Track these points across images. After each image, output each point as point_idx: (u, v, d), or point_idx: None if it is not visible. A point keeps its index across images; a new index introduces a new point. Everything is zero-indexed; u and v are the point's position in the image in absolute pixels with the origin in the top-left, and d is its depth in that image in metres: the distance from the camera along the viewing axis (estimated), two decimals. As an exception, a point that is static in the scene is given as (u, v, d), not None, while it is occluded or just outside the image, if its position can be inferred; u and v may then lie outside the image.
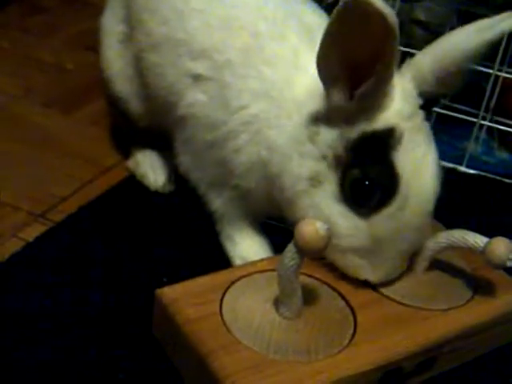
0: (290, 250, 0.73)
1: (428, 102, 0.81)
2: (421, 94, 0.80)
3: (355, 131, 0.78)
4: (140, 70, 1.01)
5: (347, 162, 0.78)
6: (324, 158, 0.79)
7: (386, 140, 0.77)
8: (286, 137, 0.83)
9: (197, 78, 0.90)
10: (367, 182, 0.77)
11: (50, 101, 1.38)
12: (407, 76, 0.80)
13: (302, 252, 0.72)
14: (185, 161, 0.97)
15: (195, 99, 0.90)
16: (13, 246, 0.97)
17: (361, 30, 0.70)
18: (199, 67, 0.89)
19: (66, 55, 1.58)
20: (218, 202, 0.95)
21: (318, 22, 0.90)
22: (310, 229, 0.70)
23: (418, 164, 0.78)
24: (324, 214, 0.79)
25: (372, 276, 0.82)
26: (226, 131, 0.88)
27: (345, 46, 0.73)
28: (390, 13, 0.68)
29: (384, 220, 0.78)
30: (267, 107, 0.84)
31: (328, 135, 0.79)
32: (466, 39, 0.78)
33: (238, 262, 0.94)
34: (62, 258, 0.95)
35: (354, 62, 0.74)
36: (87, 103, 1.38)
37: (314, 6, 0.95)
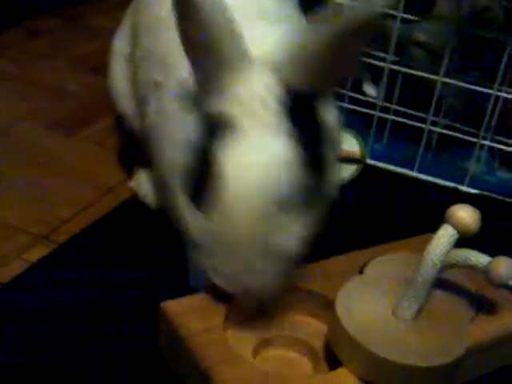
0: (444, 235, 0.75)
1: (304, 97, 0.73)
2: (290, 89, 0.72)
3: (197, 116, 0.75)
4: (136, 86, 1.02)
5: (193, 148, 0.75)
6: (188, 144, 0.75)
7: (216, 128, 0.71)
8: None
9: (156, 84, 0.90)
10: (195, 174, 0.73)
11: (53, 122, 1.39)
12: (271, 67, 0.73)
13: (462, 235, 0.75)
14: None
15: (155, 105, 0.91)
16: (17, 267, 0.97)
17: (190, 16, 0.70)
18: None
19: (70, 77, 1.59)
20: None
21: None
22: (469, 211, 0.75)
23: (246, 157, 0.70)
24: (176, 207, 0.78)
25: (221, 281, 0.74)
26: None
27: (184, 30, 0.72)
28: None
29: (215, 215, 0.71)
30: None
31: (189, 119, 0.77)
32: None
33: None
34: (65, 279, 0.95)
35: (196, 45, 0.72)
36: (90, 125, 1.39)
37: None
